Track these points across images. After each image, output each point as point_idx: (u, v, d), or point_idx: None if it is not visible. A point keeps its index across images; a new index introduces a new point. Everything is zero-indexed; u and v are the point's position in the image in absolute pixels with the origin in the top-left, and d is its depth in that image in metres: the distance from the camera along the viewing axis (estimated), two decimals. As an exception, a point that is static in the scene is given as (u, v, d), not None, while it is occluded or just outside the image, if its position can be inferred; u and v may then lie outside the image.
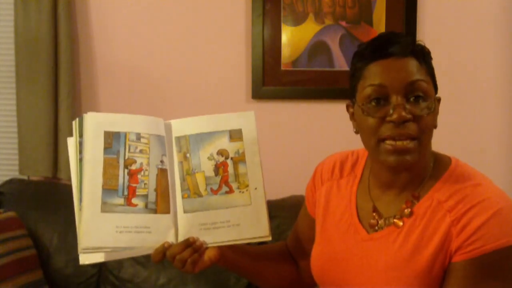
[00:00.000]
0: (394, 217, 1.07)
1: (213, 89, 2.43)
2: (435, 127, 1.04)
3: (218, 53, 2.43)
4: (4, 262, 2.06)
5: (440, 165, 1.08)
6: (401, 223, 1.05)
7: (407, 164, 1.02)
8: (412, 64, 1.01)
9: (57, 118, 2.41)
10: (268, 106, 2.42)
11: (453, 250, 1.00)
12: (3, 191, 2.38)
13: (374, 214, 1.10)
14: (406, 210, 1.05)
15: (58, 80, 2.40)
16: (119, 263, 2.23)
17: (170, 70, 2.45)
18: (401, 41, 1.02)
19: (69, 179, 2.38)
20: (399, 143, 1.00)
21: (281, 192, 2.28)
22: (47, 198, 2.38)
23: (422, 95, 1.00)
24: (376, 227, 1.09)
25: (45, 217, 2.30)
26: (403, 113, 0.98)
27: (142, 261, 2.23)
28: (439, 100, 1.06)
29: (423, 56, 1.03)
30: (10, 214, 2.22)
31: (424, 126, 1.01)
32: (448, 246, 1.00)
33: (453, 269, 1.00)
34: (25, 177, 2.50)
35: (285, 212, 2.13)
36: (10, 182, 2.44)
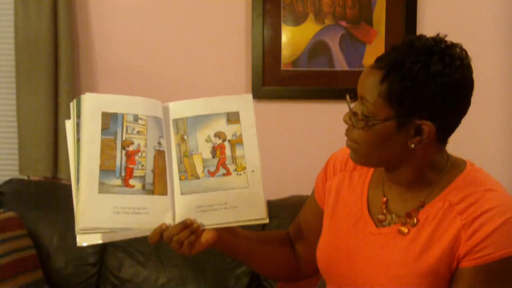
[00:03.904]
0: (400, 219, 1.07)
1: (213, 89, 2.43)
2: (398, 146, 1.02)
3: (218, 53, 2.43)
4: (4, 262, 2.06)
5: (454, 168, 1.07)
6: (406, 230, 1.05)
7: (354, 161, 1.09)
8: (372, 79, 1.00)
9: (57, 118, 2.41)
10: (268, 106, 2.42)
11: (461, 254, 0.99)
12: (3, 191, 2.38)
13: (384, 208, 1.10)
14: (411, 220, 1.06)
15: (58, 80, 2.40)
16: (119, 263, 2.23)
17: (170, 70, 2.46)
18: (395, 48, 1.01)
19: (69, 179, 2.39)
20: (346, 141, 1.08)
21: (281, 192, 2.28)
22: (47, 198, 2.38)
23: (359, 110, 1.02)
24: (384, 223, 1.10)
25: (45, 217, 2.31)
26: (345, 117, 1.06)
27: (142, 261, 2.23)
28: (416, 125, 0.99)
29: (401, 77, 0.97)
30: (10, 214, 2.22)
31: (354, 137, 1.04)
32: (457, 249, 1.00)
33: (461, 275, 1.00)
34: (25, 177, 2.50)
35: (285, 212, 2.13)
36: (10, 182, 2.44)
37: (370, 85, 1.00)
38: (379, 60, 1.01)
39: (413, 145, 1.00)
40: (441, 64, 0.96)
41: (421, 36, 1.01)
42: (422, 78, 0.96)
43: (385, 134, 1.00)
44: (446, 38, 1.02)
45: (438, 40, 0.99)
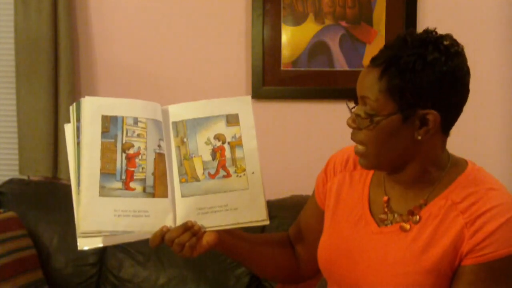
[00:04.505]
0: (402, 217, 1.08)
1: (213, 89, 2.43)
2: (406, 141, 1.02)
3: (218, 53, 2.43)
4: (4, 262, 2.06)
5: (456, 167, 1.08)
6: (408, 227, 1.06)
7: (363, 166, 1.09)
8: (371, 77, 1.01)
9: (57, 118, 2.42)
10: (268, 106, 2.42)
11: (464, 252, 1.00)
12: (3, 191, 2.38)
13: (386, 207, 1.11)
14: (414, 217, 1.06)
15: (58, 80, 2.41)
16: (119, 263, 2.24)
17: (171, 70, 2.46)
18: (389, 46, 1.02)
19: (69, 179, 2.39)
20: (354, 146, 1.08)
21: (281, 192, 2.28)
22: (47, 198, 2.38)
23: (361, 112, 1.03)
24: (386, 222, 1.10)
25: (45, 217, 2.31)
26: (348, 121, 1.06)
27: (142, 261, 2.23)
28: (421, 116, 1.00)
29: (400, 70, 0.98)
30: (10, 214, 2.23)
31: (361, 139, 1.05)
32: (459, 247, 1.00)
33: (463, 272, 1.01)
34: (25, 177, 2.50)
35: (285, 212, 2.13)
36: (10, 182, 2.44)
37: (369, 83, 1.01)
38: (374, 59, 1.03)
39: (420, 137, 1.01)
40: (437, 52, 0.98)
41: (412, 31, 1.03)
42: (420, 69, 0.98)
43: (391, 129, 1.01)
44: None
45: (429, 32, 1.02)
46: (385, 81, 0.99)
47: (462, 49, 1.02)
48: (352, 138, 1.07)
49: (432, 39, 1.00)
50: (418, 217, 1.05)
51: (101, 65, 2.48)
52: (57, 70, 2.40)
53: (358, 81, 1.05)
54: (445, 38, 1.01)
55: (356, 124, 1.04)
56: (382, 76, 0.99)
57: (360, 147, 1.06)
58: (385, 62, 1.00)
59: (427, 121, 1.00)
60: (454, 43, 1.01)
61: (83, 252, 2.20)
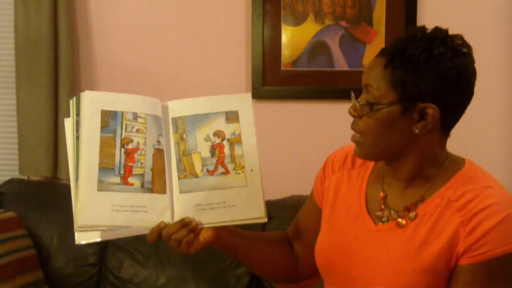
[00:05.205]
0: (398, 213, 1.08)
1: (213, 89, 2.43)
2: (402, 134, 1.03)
3: (218, 53, 2.43)
4: (4, 262, 2.06)
5: (453, 165, 1.08)
6: (404, 222, 1.06)
7: (358, 155, 1.09)
8: (376, 66, 1.02)
9: (57, 118, 2.42)
10: (268, 106, 2.42)
11: (460, 251, 1.00)
12: (3, 191, 2.38)
13: (382, 204, 1.11)
14: (410, 214, 1.06)
15: (58, 80, 2.41)
16: (119, 263, 2.24)
17: (170, 70, 2.46)
18: (400, 39, 1.03)
19: (69, 178, 2.39)
20: (352, 134, 1.08)
21: (281, 192, 2.28)
22: (47, 198, 2.38)
23: (363, 100, 1.04)
24: (383, 219, 1.10)
25: (45, 217, 2.31)
26: (350, 109, 1.06)
27: (142, 261, 2.23)
28: (420, 109, 1.00)
29: (404, 61, 0.99)
30: (10, 214, 2.23)
31: (359, 127, 1.05)
32: (455, 246, 1.00)
33: (460, 272, 1.00)
34: (25, 177, 2.50)
35: (285, 212, 2.13)
36: (10, 182, 2.44)
37: (374, 72, 1.02)
38: (383, 49, 1.04)
39: (417, 130, 1.01)
40: (443, 48, 0.99)
41: (424, 27, 1.03)
42: (424, 62, 0.98)
43: (390, 119, 1.01)
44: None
45: (440, 29, 1.03)
46: (389, 71, 1.00)
47: (471, 51, 1.02)
48: (351, 127, 1.07)
49: (441, 36, 1.01)
50: (414, 213, 1.05)
51: (101, 65, 2.48)
52: (57, 70, 2.40)
53: (365, 70, 1.06)
54: (456, 37, 1.02)
55: (356, 112, 1.05)
56: (387, 66, 1.00)
57: (357, 135, 1.06)
58: (391, 53, 1.01)
59: (426, 115, 1.00)
60: (464, 43, 1.02)
61: (83, 252, 2.21)
